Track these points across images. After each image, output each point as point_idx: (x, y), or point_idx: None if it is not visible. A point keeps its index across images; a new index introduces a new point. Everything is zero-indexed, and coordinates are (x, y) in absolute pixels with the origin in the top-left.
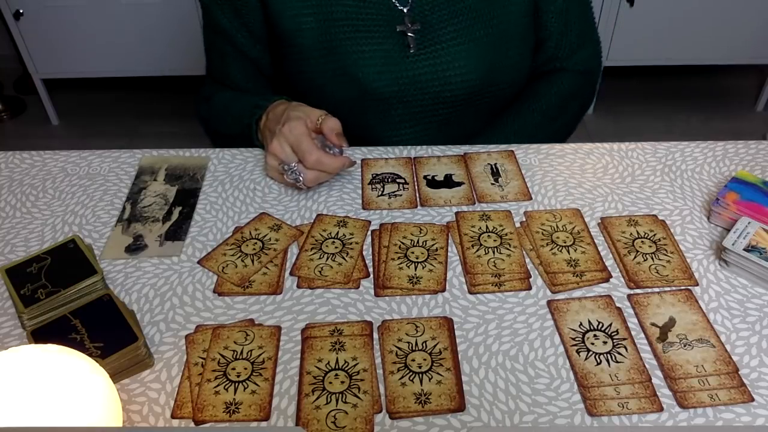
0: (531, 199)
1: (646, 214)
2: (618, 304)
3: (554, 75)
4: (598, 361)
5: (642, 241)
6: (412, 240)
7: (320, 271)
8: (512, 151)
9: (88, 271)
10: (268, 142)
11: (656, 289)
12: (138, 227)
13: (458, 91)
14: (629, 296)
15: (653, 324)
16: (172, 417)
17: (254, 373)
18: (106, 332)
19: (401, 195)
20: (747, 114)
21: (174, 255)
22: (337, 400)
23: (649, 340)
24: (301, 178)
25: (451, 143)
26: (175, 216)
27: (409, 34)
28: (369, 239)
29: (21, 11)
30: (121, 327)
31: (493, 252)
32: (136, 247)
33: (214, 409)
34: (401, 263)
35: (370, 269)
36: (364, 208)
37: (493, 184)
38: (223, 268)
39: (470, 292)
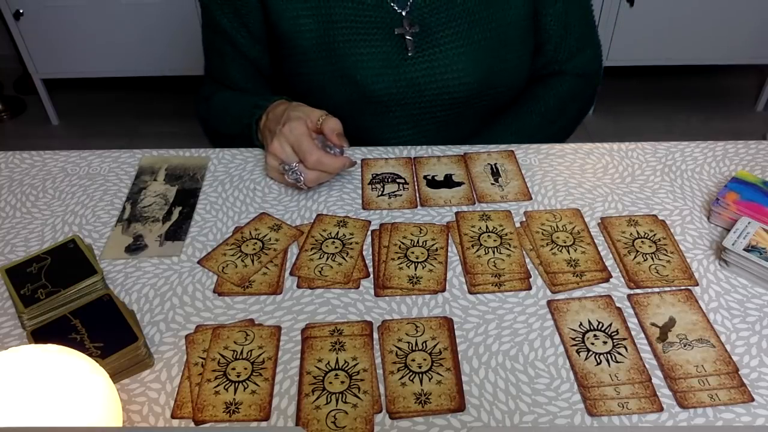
0: (531, 199)
1: (646, 214)
2: (618, 304)
3: (553, 78)
4: (598, 361)
5: (642, 241)
6: (412, 240)
7: (320, 271)
8: (512, 151)
9: (88, 271)
10: (269, 142)
11: (656, 289)
12: (138, 227)
13: (456, 94)
14: (629, 296)
15: (653, 324)
16: (172, 417)
17: (254, 373)
18: (106, 332)
19: (401, 195)
20: (747, 114)
21: (174, 255)
22: (337, 400)
23: (649, 340)
24: (301, 179)
25: (449, 145)
26: (175, 216)
27: (408, 37)
28: (369, 239)
29: (21, 11)
30: (121, 327)
31: (493, 252)
32: (136, 247)
33: (214, 409)
34: (401, 263)
35: (370, 269)
36: (364, 208)
37: (493, 184)
38: (223, 268)
39: (470, 292)
